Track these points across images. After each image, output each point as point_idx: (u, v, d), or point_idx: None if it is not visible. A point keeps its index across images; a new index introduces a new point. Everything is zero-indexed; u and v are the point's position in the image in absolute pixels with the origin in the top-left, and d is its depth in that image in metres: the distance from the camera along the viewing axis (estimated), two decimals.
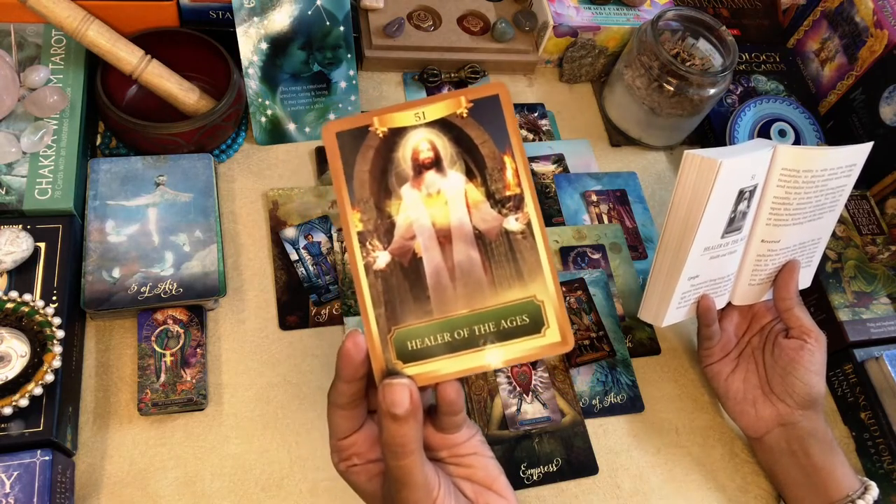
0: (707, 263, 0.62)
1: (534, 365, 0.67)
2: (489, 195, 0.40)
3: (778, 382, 0.64)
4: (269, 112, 0.74)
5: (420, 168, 0.40)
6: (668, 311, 0.64)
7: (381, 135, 0.40)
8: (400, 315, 0.40)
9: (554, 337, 0.39)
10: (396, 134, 0.40)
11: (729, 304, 0.68)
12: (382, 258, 0.40)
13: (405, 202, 0.40)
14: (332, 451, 0.43)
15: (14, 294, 0.54)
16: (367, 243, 0.40)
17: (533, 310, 0.40)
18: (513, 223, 0.40)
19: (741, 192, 0.60)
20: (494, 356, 0.39)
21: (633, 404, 0.69)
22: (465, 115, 0.40)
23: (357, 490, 0.43)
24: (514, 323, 0.40)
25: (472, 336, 0.39)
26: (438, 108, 0.40)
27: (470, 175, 0.40)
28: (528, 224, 0.40)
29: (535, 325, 0.39)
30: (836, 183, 0.64)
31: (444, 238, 0.40)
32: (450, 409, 0.41)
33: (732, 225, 0.62)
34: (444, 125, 0.40)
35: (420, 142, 0.40)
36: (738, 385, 0.66)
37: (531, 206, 0.40)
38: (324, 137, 0.40)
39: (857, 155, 0.64)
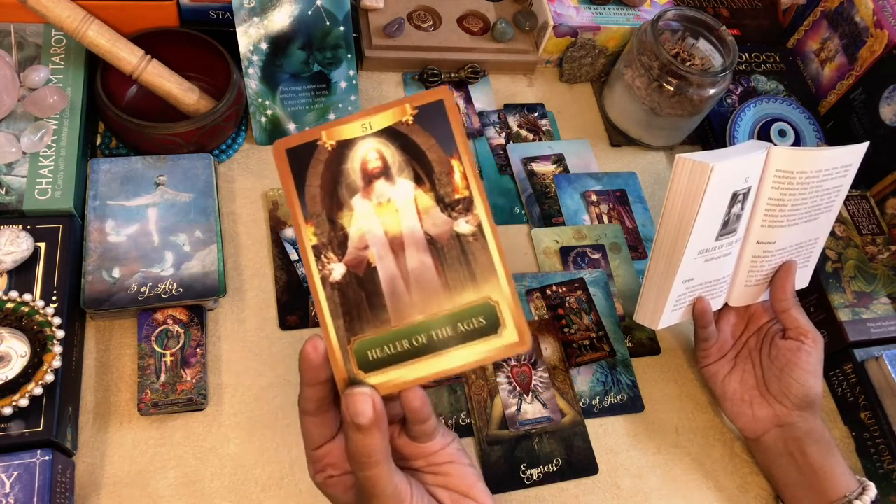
0: (702, 266, 0.62)
1: (534, 365, 0.67)
2: (439, 199, 0.40)
3: (775, 383, 0.64)
4: (269, 112, 0.74)
5: (369, 178, 0.41)
6: (664, 314, 0.64)
7: (329, 148, 0.41)
8: (358, 325, 0.40)
9: (511, 337, 0.39)
10: (345, 146, 0.41)
11: (726, 305, 0.68)
12: (338, 270, 0.40)
13: (357, 213, 0.40)
14: (308, 463, 0.43)
15: (14, 294, 0.55)
16: (323, 256, 0.40)
17: (489, 311, 0.40)
18: (463, 226, 0.40)
19: (735, 195, 0.60)
20: (454, 360, 0.39)
21: (633, 404, 0.69)
22: (410, 122, 0.40)
23: (334, 502, 0.43)
24: (471, 325, 0.40)
25: (431, 341, 0.40)
26: (385, 118, 0.41)
27: (419, 181, 0.41)
28: (479, 225, 0.40)
29: (491, 326, 0.40)
30: (832, 183, 0.64)
31: (397, 246, 0.40)
32: (416, 416, 0.41)
33: (727, 227, 0.61)
34: (391, 134, 0.40)
35: (368, 152, 0.41)
36: (735, 386, 0.66)
37: (481, 208, 0.40)
38: (274, 155, 0.41)
39: (851, 155, 0.64)
